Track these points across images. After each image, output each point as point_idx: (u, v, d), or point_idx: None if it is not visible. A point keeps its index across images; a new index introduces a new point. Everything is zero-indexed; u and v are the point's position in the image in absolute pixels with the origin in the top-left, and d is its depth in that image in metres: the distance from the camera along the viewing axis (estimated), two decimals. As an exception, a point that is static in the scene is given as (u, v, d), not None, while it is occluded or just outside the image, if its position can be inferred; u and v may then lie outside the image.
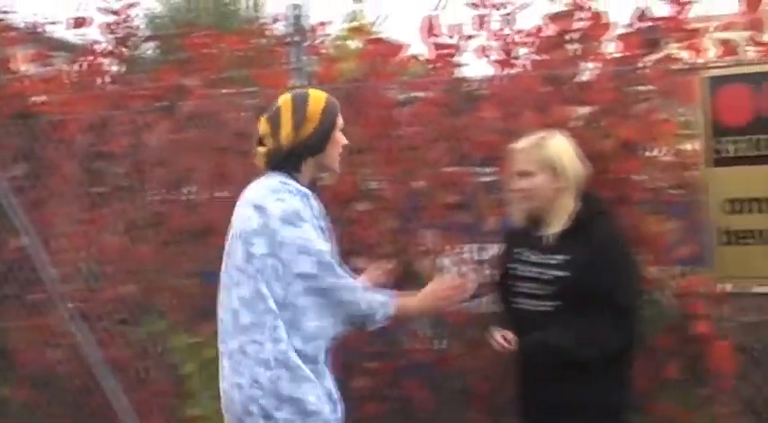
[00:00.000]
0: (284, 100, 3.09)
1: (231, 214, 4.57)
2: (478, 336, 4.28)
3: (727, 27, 3.95)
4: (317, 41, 4.61)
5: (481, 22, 4.27)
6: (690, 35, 3.99)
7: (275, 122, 3.04)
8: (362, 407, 4.37)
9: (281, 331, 2.92)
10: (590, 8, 4.09)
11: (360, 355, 4.41)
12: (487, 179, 4.35)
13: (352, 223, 4.35)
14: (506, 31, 4.26)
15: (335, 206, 4.38)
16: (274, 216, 2.93)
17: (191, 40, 5.02)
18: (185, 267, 4.88)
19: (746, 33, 3.90)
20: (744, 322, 3.98)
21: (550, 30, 4.18)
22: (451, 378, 4.35)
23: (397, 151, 4.36)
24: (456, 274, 3.38)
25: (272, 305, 2.92)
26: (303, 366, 2.92)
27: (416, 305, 3.26)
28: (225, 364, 3.03)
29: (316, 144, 3.05)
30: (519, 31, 4.27)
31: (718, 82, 3.68)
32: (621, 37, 4.08)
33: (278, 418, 2.91)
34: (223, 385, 3.04)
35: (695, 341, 3.85)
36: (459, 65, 4.39)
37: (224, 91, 4.83)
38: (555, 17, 4.16)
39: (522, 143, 3.42)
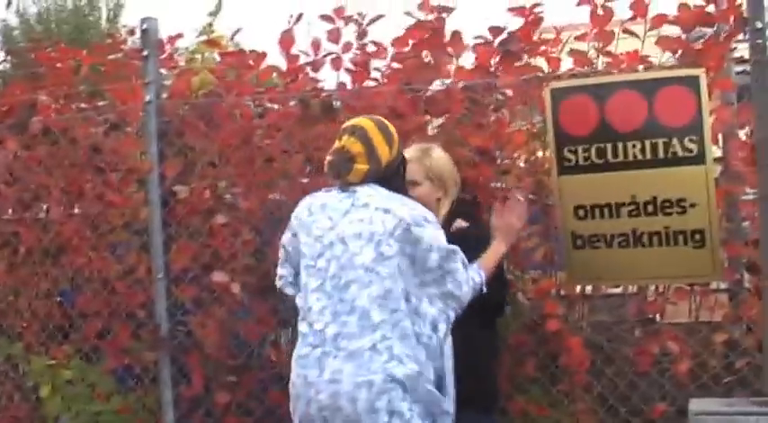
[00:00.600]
0: (365, 122, 3.27)
1: (84, 232, 4.53)
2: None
3: (580, 38, 4.08)
4: (167, 55, 4.54)
5: (336, 34, 4.31)
6: (540, 46, 4.11)
7: (368, 143, 3.20)
8: (224, 421, 4.35)
9: (408, 327, 3.08)
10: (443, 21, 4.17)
11: (220, 369, 4.39)
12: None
13: (210, 236, 4.32)
14: (361, 43, 4.31)
15: (194, 218, 4.37)
16: (405, 218, 3.12)
17: (42, 54, 4.88)
18: (40, 287, 4.75)
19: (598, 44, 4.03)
20: (596, 322, 4.14)
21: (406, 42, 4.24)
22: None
23: (253, 163, 4.35)
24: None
25: (402, 303, 3.09)
26: (425, 357, 3.10)
27: (492, 257, 3.43)
28: (341, 366, 3.05)
29: (400, 163, 3.31)
30: (374, 44, 4.32)
31: (562, 93, 3.78)
32: (477, 48, 4.16)
33: (401, 408, 3.03)
34: (335, 387, 3.04)
35: (550, 340, 3.97)
36: (316, 78, 4.41)
37: (77, 106, 4.70)
38: (410, 29, 4.22)
39: (407, 154, 3.50)
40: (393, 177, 3.27)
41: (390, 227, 3.10)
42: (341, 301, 3.09)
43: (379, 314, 3.06)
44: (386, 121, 3.33)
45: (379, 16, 4.34)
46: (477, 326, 3.42)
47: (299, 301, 3.24)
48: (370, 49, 4.32)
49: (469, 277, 3.21)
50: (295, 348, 3.22)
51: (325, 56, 4.35)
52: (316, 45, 4.35)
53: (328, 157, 3.24)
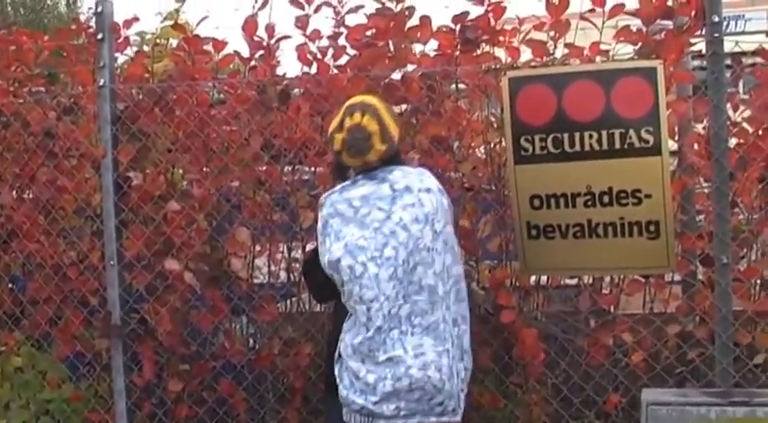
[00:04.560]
0: (372, 100, 3.35)
1: (36, 217, 4.46)
2: (295, 334, 4.31)
3: (538, 28, 4.07)
4: (122, 39, 4.47)
5: (303, 21, 4.27)
6: (498, 35, 4.10)
7: (381, 121, 3.27)
8: (176, 410, 4.32)
9: (462, 292, 3.36)
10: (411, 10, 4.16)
11: (173, 357, 4.36)
12: (304, 177, 4.38)
13: (164, 223, 4.27)
14: (324, 30, 4.28)
15: (147, 205, 4.32)
16: (438, 192, 3.32)
17: (-7, 37, 4.79)
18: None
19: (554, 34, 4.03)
20: (550, 313, 4.14)
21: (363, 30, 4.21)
22: (268, 378, 4.33)
23: (210, 150, 4.32)
24: None
25: (452, 271, 3.32)
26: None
27: None
28: (420, 341, 3.20)
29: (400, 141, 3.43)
30: (336, 32, 4.29)
31: (519, 82, 3.76)
32: (437, 36, 4.14)
33: (462, 368, 3.34)
34: (422, 359, 3.18)
35: (505, 331, 3.98)
36: (276, 63, 4.36)
37: (29, 89, 4.63)
38: (372, 16, 4.20)
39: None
40: (398, 153, 3.40)
41: (436, 204, 3.28)
42: (410, 283, 3.20)
43: (441, 287, 3.25)
44: (383, 99, 3.45)
45: (359, 6, 4.29)
46: None
47: (360, 290, 3.19)
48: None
49: None
50: (353, 335, 3.23)
51: (278, 40, 4.30)
52: (270, 30, 4.30)
53: (339, 135, 3.27)
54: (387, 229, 3.20)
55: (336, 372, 3.28)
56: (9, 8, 15.92)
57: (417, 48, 4.22)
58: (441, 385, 3.21)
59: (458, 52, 4.12)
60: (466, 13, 4.12)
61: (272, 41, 4.32)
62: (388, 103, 3.43)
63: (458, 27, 4.12)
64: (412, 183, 3.28)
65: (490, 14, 4.09)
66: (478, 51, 4.13)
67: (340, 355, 3.27)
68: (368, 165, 3.28)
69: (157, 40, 4.84)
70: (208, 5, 5.16)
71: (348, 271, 3.19)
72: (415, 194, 3.26)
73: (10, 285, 4.75)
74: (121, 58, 4.66)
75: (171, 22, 4.74)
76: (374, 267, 3.17)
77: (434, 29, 4.15)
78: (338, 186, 3.32)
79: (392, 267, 3.18)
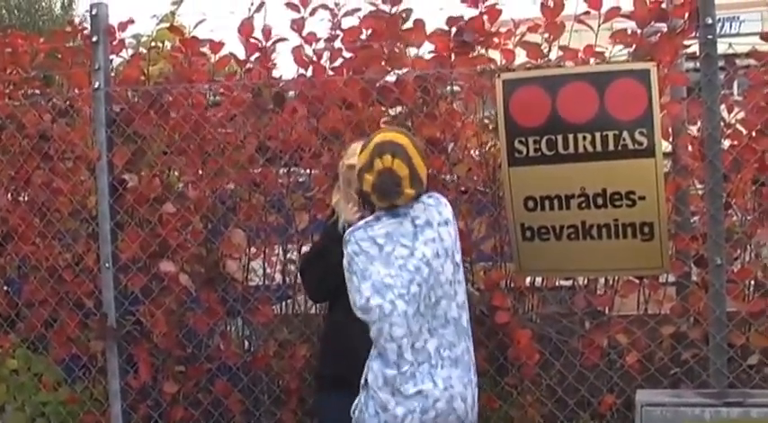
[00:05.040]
0: (401, 139, 3.30)
1: (32, 219, 4.47)
2: (290, 336, 4.32)
3: (532, 30, 4.08)
4: (117, 41, 4.48)
5: (298, 23, 4.28)
6: (493, 37, 4.11)
7: (411, 164, 3.25)
8: (171, 412, 4.32)
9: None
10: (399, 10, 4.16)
11: (168, 359, 4.37)
12: (299, 179, 4.39)
13: (160, 225, 4.27)
14: (320, 33, 4.29)
15: (142, 207, 4.32)
16: (453, 221, 3.35)
17: (-12, 40, 4.79)
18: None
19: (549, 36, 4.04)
20: (545, 314, 4.15)
21: (362, 31, 4.22)
22: (264, 379, 4.33)
23: (205, 152, 4.32)
24: None
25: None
26: None
27: None
28: (449, 374, 3.25)
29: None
30: (332, 35, 4.30)
31: (512, 84, 3.78)
32: (432, 38, 4.15)
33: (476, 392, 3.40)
34: (450, 392, 3.23)
35: (500, 332, 3.99)
36: (272, 66, 4.37)
37: (25, 92, 4.63)
38: (366, 18, 4.21)
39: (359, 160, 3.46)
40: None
41: (454, 235, 3.33)
42: (434, 317, 3.26)
43: (465, 317, 3.33)
44: (411, 134, 3.46)
45: (356, 9, 4.30)
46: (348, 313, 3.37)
47: (390, 328, 3.19)
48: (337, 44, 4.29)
49: None
50: (383, 367, 3.22)
51: (274, 43, 4.31)
52: (267, 32, 4.31)
53: (369, 176, 3.25)
54: (411, 266, 3.23)
55: (362, 399, 3.27)
56: (3, 11, 15.90)
57: (412, 51, 4.22)
58: (464, 417, 3.27)
59: (452, 54, 4.13)
60: (460, 16, 4.12)
61: (269, 44, 4.33)
62: (414, 138, 3.40)
63: (452, 29, 4.13)
64: (432, 217, 3.30)
65: (485, 17, 4.10)
66: (473, 53, 4.14)
67: (366, 382, 3.26)
68: (395, 207, 3.29)
69: (153, 43, 4.85)
70: (203, 8, 5.16)
71: (377, 311, 3.19)
72: (435, 229, 3.28)
73: (5, 288, 4.74)
74: (117, 61, 4.67)
75: (166, 25, 4.74)
76: (403, 305, 3.19)
77: (429, 31, 4.16)
78: (362, 222, 3.31)
79: (417, 303, 3.21)
